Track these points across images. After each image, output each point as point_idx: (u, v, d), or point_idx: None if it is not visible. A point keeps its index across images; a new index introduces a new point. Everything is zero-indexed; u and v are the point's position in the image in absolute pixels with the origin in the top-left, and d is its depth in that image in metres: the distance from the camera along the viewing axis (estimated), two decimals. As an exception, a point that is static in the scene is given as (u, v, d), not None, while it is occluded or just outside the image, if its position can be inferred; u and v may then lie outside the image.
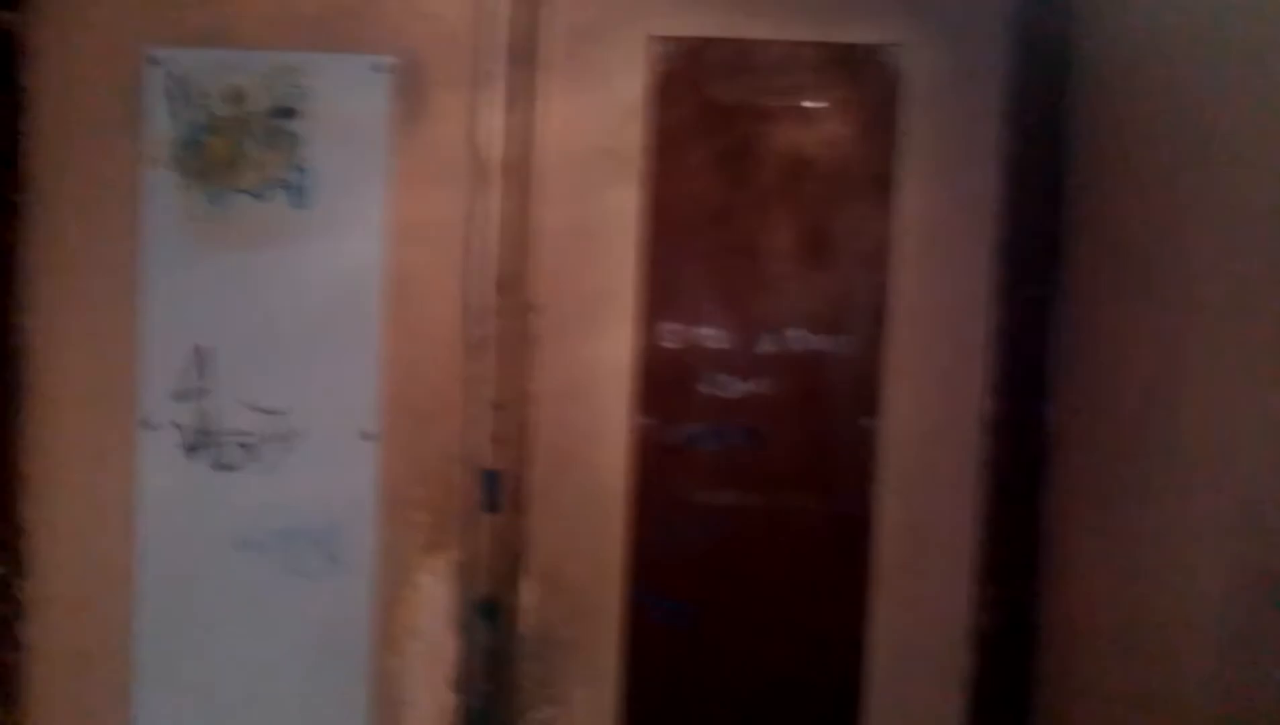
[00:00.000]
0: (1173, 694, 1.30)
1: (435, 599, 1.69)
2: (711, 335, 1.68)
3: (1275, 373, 1.12)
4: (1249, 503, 1.16)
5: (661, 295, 1.68)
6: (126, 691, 1.70)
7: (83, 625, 1.69)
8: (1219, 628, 1.20)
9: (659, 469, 1.68)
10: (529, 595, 1.69)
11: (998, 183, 1.68)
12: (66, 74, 1.66)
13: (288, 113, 1.68)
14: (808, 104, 1.68)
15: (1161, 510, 1.35)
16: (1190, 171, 1.31)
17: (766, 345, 1.68)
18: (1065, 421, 1.64)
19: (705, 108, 1.68)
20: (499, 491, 1.69)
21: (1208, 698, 1.22)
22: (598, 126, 1.68)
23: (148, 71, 1.67)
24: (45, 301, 1.68)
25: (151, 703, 1.71)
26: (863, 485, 1.69)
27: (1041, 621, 1.67)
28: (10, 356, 1.66)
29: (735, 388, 1.68)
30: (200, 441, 1.68)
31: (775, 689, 1.71)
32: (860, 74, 1.68)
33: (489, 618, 1.69)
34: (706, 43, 1.67)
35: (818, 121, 1.68)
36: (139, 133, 1.67)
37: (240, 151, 1.68)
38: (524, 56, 1.67)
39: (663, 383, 1.68)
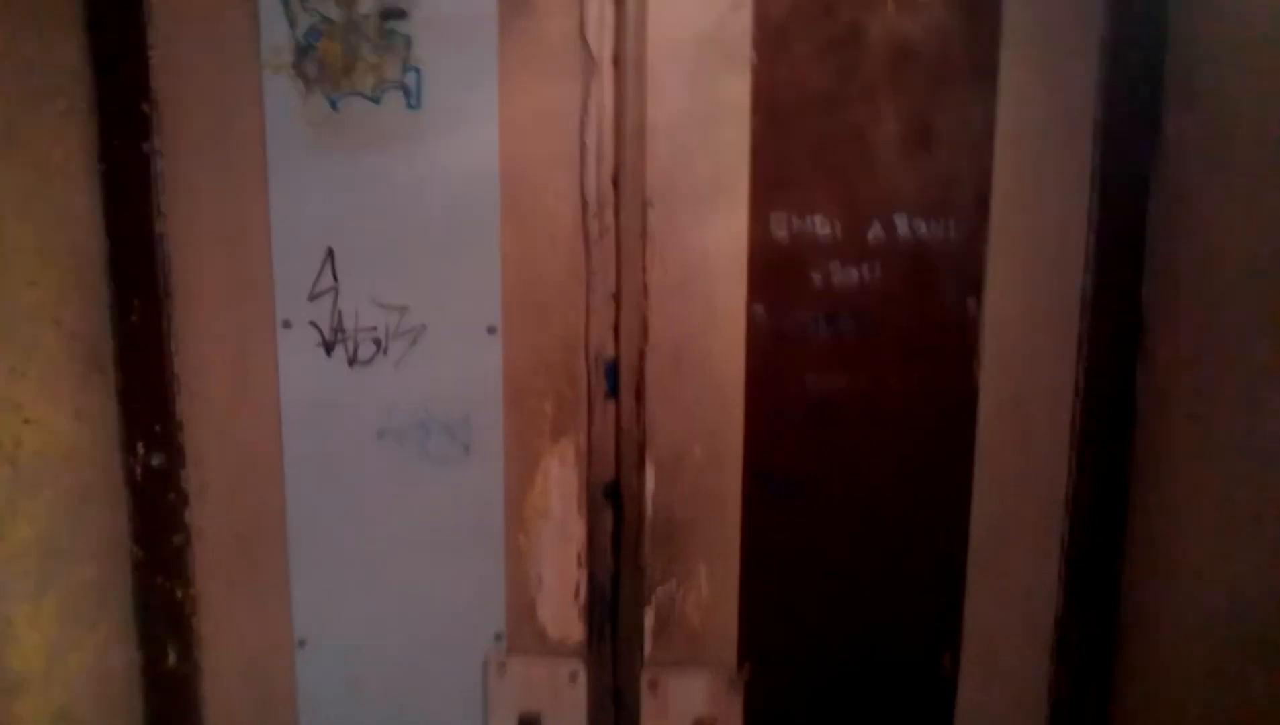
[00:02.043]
0: (1259, 566, 1.39)
1: (562, 482, 1.80)
2: (821, 223, 1.73)
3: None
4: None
5: (772, 185, 1.72)
6: (284, 568, 1.84)
7: (239, 510, 1.83)
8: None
9: (773, 355, 1.76)
10: (651, 478, 1.79)
11: (1098, 65, 1.69)
12: (185, -14, 1.70)
13: (398, 14, 1.71)
14: (913, -10, 1.69)
15: (1258, 387, 1.40)
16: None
17: (874, 232, 1.73)
18: (1162, 299, 1.69)
19: (811, -3, 1.70)
20: (619, 380, 1.77)
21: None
22: (705, 16, 1.70)
23: (261, -21, 1.70)
24: (180, 209, 1.75)
25: (307, 578, 1.85)
26: (967, 364, 1.76)
27: (1135, 488, 1.76)
28: (152, 263, 1.74)
29: (844, 274, 1.74)
30: (335, 338, 1.77)
31: (884, 556, 1.82)
32: (965, -42, 1.68)
33: (613, 499, 1.80)
34: (812, -71, 1.68)
35: (922, 9, 1.69)
36: (257, 41, 1.71)
37: (355, 55, 1.72)
38: (630, -51, 1.69)
39: (775, 271, 1.74)
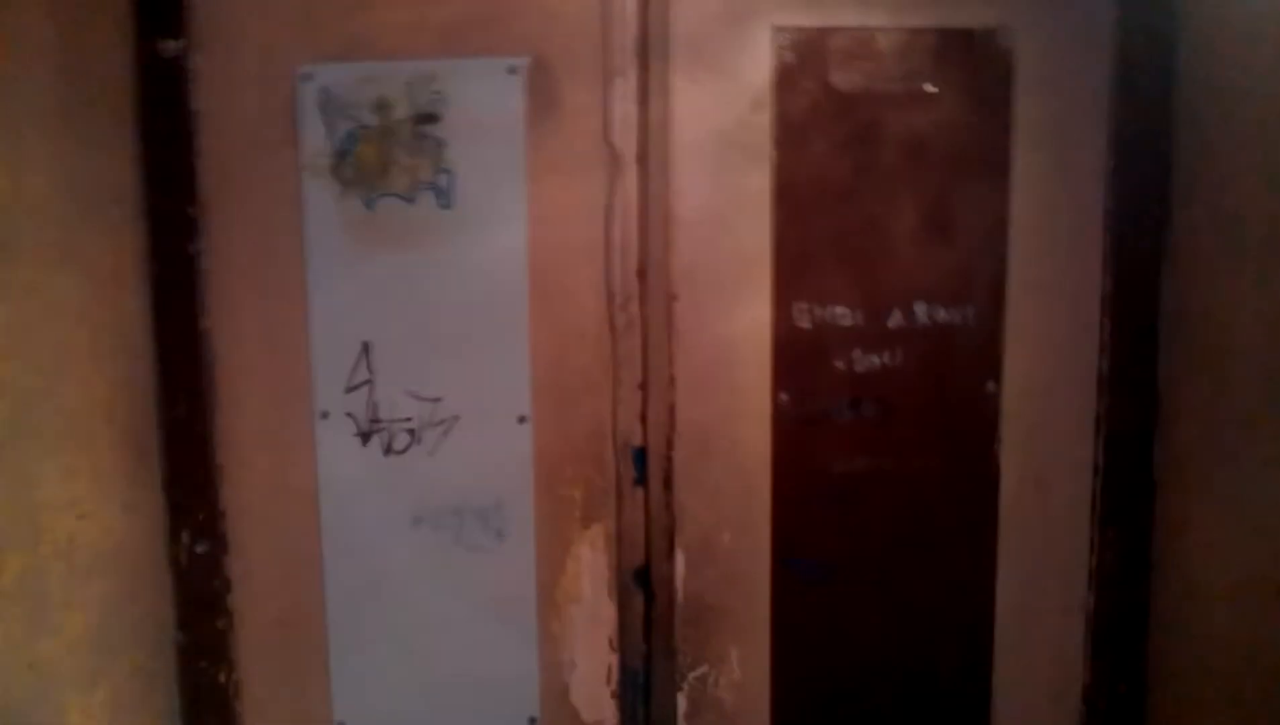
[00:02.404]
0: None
1: (593, 568, 1.84)
2: (842, 312, 1.78)
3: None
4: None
5: (794, 276, 1.78)
6: (323, 653, 1.88)
7: (280, 596, 1.88)
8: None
9: (798, 441, 1.80)
10: (681, 563, 1.83)
11: (1107, 154, 1.74)
12: (229, 96, 1.78)
13: (430, 118, 1.79)
14: (926, 87, 1.75)
15: (1267, 466, 1.44)
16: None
17: (894, 319, 1.78)
18: (1175, 380, 1.72)
19: (829, 94, 1.75)
20: (647, 467, 1.82)
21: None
22: (727, 116, 1.76)
23: (300, 88, 1.78)
24: (224, 307, 1.82)
25: (346, 663, 1.89)
26: (988, 445, 1.80)
27: (1157, 561, 1.77)
28: (197, 359, 1.81)
29: (867, 361, 1.79)
30: (371, 428, 1.83)
31: (913, 634, 1.84)
32: (974, 57, 1.73)
33: (644, 585, 1.84)
34: (827, 31, 1.74)
35: (936, 104, 1.75)
36: (297, 145, 1.79)
37: (389, 158, 1.80)
38: (652, 50, 1.75)
39: (799, 360, 1.79)
